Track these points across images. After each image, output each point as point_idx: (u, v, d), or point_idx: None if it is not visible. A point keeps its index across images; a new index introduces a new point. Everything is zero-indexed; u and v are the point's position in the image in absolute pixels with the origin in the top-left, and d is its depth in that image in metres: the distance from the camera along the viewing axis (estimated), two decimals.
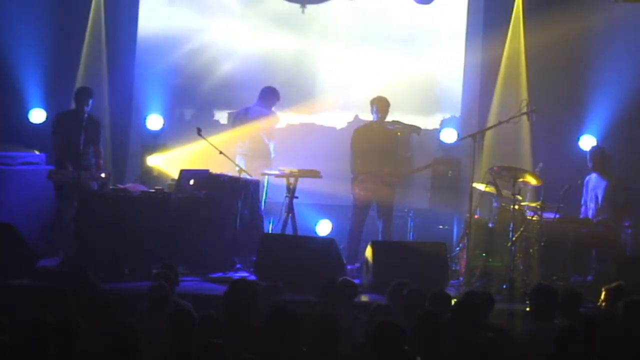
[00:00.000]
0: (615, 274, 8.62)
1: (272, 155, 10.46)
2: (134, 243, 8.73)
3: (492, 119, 9.79)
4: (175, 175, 9.83)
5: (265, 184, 10.29)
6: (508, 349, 5.26)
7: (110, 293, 7.01)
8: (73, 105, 9.76)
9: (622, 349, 5.19)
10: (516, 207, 9.04)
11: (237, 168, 9.62)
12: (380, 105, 10.01)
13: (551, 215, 9.20)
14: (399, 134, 10.35)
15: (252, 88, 11.21)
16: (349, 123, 11.69)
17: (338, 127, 11.78)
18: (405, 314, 6.02)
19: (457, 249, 9.90)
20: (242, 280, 6.77)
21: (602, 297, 7.04)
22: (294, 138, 10.72)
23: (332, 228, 11.02)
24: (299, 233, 9.81)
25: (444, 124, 11.78)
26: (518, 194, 9.17)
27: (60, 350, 5.09)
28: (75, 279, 6.76)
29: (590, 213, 9.67)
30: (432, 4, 11.73)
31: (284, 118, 11.18)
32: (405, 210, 10.98)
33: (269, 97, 10.52)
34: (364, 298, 7.98)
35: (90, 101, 9.60)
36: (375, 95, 10.18)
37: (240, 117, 10.60)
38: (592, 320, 5.42)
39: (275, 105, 10.57)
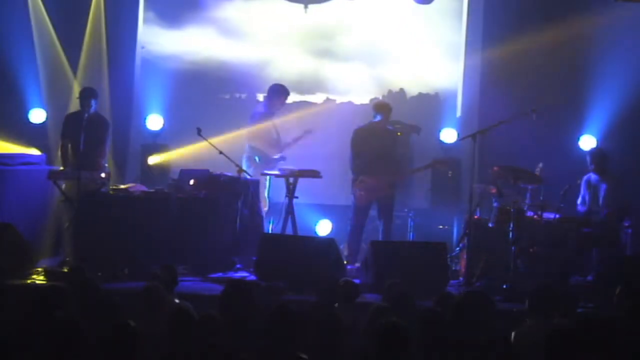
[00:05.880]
0: (616, 274, 8.63)
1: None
2: (134, 243, 8.74)
3: (492, 119, 9.77)
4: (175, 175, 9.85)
5: (268, 184, 10.32)
6: (507, 349, 5.26)
7: (110, 293, 7.00)
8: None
9: (622, 350, 5.18)
10: (516, 207, 9.04)
11: (237, 168, 9.62)
12: (384, 111, 9.97)
13: (551, 215, 9.19)
14: (399, 134, 10.35)
15: (253, 88, 11.20)
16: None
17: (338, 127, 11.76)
18: (397, 314, 6.01)
19: (457, 249, 9.90)
20: (237, 280, 6.76)
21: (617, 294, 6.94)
22: (294, 138, 10.70)
23: (332, 228, 11.02)
24: (299, 233, 9.81)
25: (443, 124, 11.77)
26: (518, 194, 9.17)
27: (61, 350, 5.09)
28: (75, 279, 6.77)
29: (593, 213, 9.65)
30: (432, 4, 11.74)
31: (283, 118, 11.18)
32: (405, 210, 10.97)
33: (277, 94, 10.51)
34: (364, 298, 7.97)
35: (92, 101, 9.59)
36: (377, 101, 10.16)
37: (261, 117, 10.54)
38: (590, 320, 5.39)
39: (284, 103, 10.58)
